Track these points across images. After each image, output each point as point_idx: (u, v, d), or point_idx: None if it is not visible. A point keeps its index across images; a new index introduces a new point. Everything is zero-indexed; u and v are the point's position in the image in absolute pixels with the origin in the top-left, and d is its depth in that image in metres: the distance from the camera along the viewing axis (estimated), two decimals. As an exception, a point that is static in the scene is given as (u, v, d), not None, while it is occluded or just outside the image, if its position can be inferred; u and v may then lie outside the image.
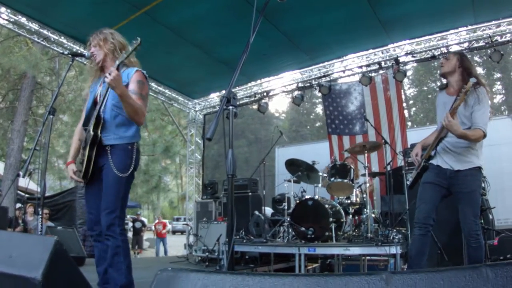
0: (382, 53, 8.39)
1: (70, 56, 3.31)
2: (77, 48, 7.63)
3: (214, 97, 11.23)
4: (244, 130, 36.37)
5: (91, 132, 3.00)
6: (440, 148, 3.54)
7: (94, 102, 3.18)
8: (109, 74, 2.83)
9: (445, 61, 3.58)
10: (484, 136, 3.29)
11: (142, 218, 17.76)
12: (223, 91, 10.95)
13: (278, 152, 11.25)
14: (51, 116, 3.22)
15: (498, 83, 28.16)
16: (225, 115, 2.17)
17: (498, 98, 28.26)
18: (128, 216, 19.96)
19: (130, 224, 17.27)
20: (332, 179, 6.18)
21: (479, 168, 3.40)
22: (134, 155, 3.17)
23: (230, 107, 2.16)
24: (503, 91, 27.93)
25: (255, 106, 12.29)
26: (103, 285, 3.12)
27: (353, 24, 7.19)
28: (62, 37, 7.43)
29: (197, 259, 8.01)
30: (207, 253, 7.22)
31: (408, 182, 4.00)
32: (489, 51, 7.54)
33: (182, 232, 28.67)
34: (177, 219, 33.15)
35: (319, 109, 39.49)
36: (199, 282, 1.30)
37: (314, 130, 38.19)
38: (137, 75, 3.14)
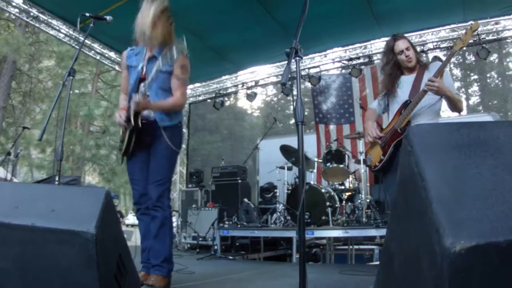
0: (371, 46, 8.53)
1: (91, 17, 3.24)
2: (65, 30, 7.46)
3: (200, 87, 11.07)
4: (218, 126, 36.19)
5: (132, 123, 2.97)
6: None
7: (140, 79, 3.13)
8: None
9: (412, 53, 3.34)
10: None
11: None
12: (209, 81, 10.89)
13: (260, 143, 11.23)
14: (71, 77, 3.15)
15: (475, 84, 28.90)
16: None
17: (474, 100, 29.00)
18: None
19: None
20: (328, 164, 6.25)
21: None
22: (183, 132, 3.30)
23: (297, 58, 2.33)
24: (479, 93, 28.67)
25: (228, 103, 12.24)
26: (147, 261, 3.09)
27: (347, 17, 7.24)
28: (51, 18, 7.20)
29: (186, 246, 7.94)
30: (198, 240, 7.15)
31: None
32: (476, 48, 7.71)
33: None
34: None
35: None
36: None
37: (288, 127, 38.37)
38: (181, 60, 3.14)
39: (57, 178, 3.01)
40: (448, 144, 1.30)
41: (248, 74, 10.21)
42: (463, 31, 7.36)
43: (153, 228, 3.06)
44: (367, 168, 6.04)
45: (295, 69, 2.41)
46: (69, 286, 1.92)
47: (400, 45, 3.28)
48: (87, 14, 3.19)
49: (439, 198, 1.12)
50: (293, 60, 2.35)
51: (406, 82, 3.30)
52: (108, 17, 3.24)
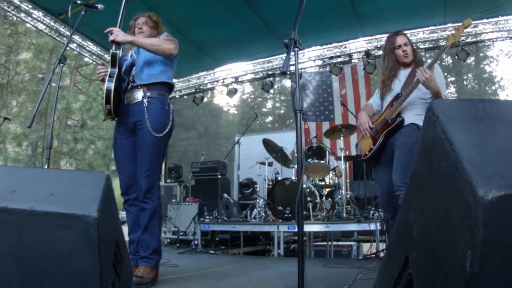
0: (350, 45, 8.67)
1: (83, 5, 3.22)
2: (47, 21, 7.34)
3: (179, 83, 10.99)
4: (194, 122, 36.00)
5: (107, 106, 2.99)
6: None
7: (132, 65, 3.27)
8: (110, 33, 2.97)
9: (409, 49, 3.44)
10: None
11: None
12: (188, 77, 10.83)
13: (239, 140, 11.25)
14: (62, 65, 3.13)
15: (452, 86, 29.53)
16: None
17: (451, 101, 29.59)
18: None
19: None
20: (309, 160, 6.32)
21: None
22: (171, 114, 3.18)
23: (296, 49, 2.44)
24: (456, 94, 29.28)
25: (204, 100, 12.21)
26: (136, 254, 3.07)
27: (329, 15, 7.32)
28: (32, 8, 7.06)
29: (166, 241, 7.90)
30: (178, 235, 7.13)
31: None
32: (454, 50, 7.88)
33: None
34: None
35: (270, 104, 39.85)
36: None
37: (265, 124, 38.50)
38: (166, 36, 3.32)
39: (46, 166, 2.97)
40: (469, 115, 1.50)
41: (226, 71, 10.21)
42: (444, 32, 7.64)
43: (142, 220, 3.03)
44: (346, 161, 6.49)
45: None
46: (69, 272, 1.89)
47: (399, 40, 3.41)
48: (78, 2, 3.17)
49: (468, 157, 1.29)
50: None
51: (400, 76, 3.42)
52: (99, 6, 3.22)
